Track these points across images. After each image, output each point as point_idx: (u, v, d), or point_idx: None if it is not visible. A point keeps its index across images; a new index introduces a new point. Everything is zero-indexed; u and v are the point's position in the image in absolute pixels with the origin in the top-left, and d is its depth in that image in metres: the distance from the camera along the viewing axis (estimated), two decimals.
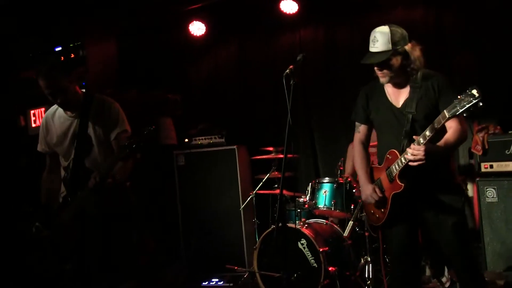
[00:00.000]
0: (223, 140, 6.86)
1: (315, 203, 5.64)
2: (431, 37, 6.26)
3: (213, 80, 7.84)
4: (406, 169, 3.55)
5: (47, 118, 4.22)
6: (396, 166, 3.61)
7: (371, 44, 3.61)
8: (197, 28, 7.42)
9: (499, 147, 5.18)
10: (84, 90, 4.18)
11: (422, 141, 3.41)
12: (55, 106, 4.18)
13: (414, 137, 3.49)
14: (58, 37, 6.72)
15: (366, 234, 5.17)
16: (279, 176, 5.83)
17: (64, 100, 3.95)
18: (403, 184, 3.59)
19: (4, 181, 6.32)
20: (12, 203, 6.12)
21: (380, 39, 3.55)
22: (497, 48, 5.92)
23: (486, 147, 5.27)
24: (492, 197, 5.10)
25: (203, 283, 6.44)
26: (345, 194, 5.52)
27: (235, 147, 6.74)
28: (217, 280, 6.44)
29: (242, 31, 7.56)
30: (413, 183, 3.60)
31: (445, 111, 3.27)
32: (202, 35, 7.47)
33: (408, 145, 3.50)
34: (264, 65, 7.44)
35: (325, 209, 5.60)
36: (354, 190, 5.58)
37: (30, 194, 4.64)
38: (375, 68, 3.67)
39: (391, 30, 3.55)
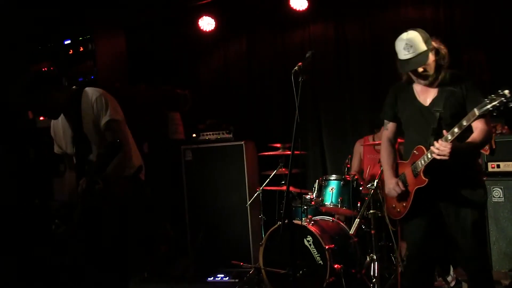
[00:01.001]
0: (231, 135, 6.87)
1: (322, 200, 5.65)
2: (442, 34, 6.18)
3: (222, 76, 7.86)
4: (432, 165, 3.59)
5: (53, 121, 4.23)
6: (422, 161, 3.64)
7: (404, 52, 3.61)
8: (206, 23, 7.43)
9: (507, 146, 5.16)
10: (74, 87, 4.09)
11: (450, 138, 3.45)
12: None
13: (444, 131, 3.50)
14: (67, 30, 6.75)
15: (372, 232, 5.17)
16: (287, 172, 5.84)
17: (50, 115, 4.03)
18: (427, 179, 3.62)
19: (13, 174, 6.34)
20: (21, 196, 6.15)
21: (413, 44, 3.58)
22: (506, 45, 5.91)
23: (494, 146, 5.25)
24: (499, 197, 5.09)
25: (209, 279, 6.46)
26: (352, 192, 5.52)
27: (242, 142, 6.75)
28: (222, 275, 6.45)
29: (251, 27, 7.58)
30: (437, 179, 3.63)
31: (475, 109, 3.31)
32: (212, 30, 7.48)
33: None
34: (273, 61, 7.45)
35: (331, 206, 5.60)
36: (360, 188, 5.58)
37: (38, 186, 4.66)
38: (414, 73, 3.69)
39: (418, 33, 3.61)
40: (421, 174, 3.66)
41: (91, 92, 3.97)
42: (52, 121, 4.24)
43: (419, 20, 6.38)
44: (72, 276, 4.05)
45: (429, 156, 3.56)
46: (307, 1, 6.77)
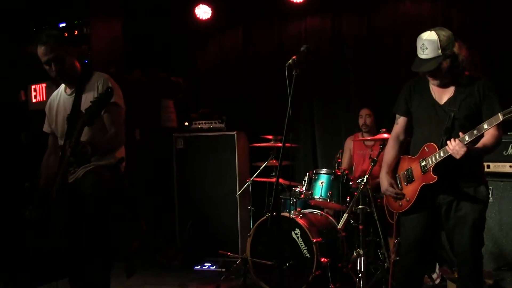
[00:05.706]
0: (223, 125, 6.88)
1: (311, 194, 5.66)
2: None
3: (217, 65, 7.85)
4: (442, 163, 3.60)
5: (51, 98, 4.21)
6: (433, 158, 3.64)
7: (419, 51, 3.62)
8: (203, 12, 7.42)
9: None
10: (85, 67, 4.12)
11: (467, 139, 3.45)
12: (60, 87, 4.18)
13: (460, 133, 3.50)
14: (63, 13, 6.70)
15: (361, 227, 5.18)
16: (277, 164, 5.84)
17: (60, 69, 3.91)
18: (436, 177, 3.63)
19: (4, 156, 6.32)
20: (13, 178, 6.12)
21: (429, 46, 3.57)
22: (502, 47, 5.92)
23: None
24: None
25: (196, 267, 6.49)
26: (341, 186, 5.54)
27: (234, 133, 6.76)
28: (209, 264, 6.48)
29: (248, 17, 7.56)
30: (445, 177, 3.64)
31: (499, 114, 3.33)
32: (208, 19, 7.47)
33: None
34: (269, 52, 7.44)
35: (320, 200, 5.62)
36: (350, 183, 5.59)
37: (30, 168, 4.63)
38: (426, 73, 3.70)
39: (439, 36, 3.57)
40: (431, 171, 3.66)
41: (100, 75, 4.03)
42: (50, 97, 4.23)
43: (416, 16, 6.38)
44: (53, 262, 4.02)
45: (442, 154, 3.57)
46: None
